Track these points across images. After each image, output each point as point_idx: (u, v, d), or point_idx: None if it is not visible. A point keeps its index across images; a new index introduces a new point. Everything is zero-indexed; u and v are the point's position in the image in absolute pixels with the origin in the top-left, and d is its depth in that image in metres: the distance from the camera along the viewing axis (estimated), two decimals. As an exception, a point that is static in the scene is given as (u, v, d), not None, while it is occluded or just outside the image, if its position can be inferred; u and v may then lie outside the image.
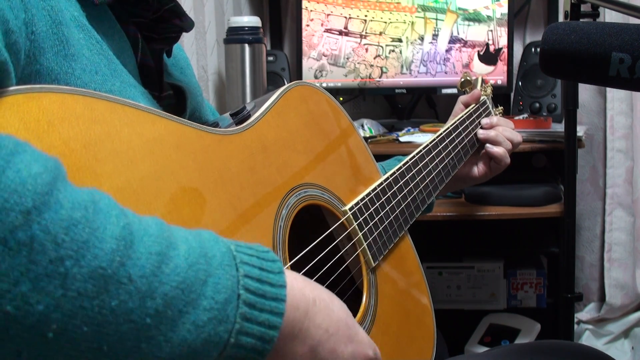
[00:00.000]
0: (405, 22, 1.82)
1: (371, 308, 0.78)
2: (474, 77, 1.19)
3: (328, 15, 1.82)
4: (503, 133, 1.10)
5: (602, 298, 1.89)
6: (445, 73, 1.84)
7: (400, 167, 0.90)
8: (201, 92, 0.89)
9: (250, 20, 1.66)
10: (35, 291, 0.36)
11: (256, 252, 0.48)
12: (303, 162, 0.75)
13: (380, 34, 1.83)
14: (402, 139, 1.68)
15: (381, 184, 0.85)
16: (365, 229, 0.80)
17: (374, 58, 1.84)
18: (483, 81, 1.20)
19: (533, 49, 1.80)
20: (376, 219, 0.83)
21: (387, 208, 0.85)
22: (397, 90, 1.85)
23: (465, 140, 1.07)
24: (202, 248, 0.45)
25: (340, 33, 1.83)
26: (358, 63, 1.84)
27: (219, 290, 0.44)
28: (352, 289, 0.80)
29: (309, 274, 0.65)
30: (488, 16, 1.80)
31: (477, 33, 1.81)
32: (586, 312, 1.92)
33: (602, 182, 1.89)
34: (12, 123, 0.45)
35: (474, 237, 1.79)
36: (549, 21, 1.92)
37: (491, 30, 1.81)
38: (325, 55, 1.84)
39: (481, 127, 1.12)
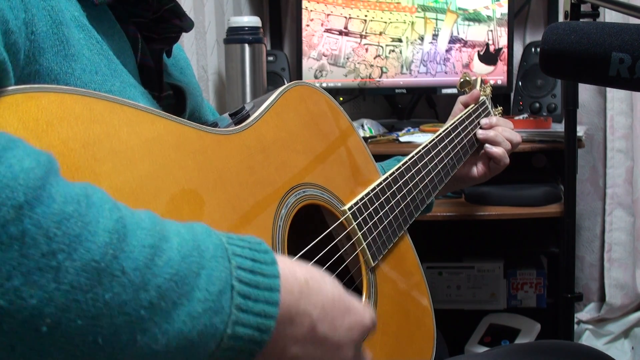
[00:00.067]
0: (405, 22, 1.82)
1: (370, 308, 0.78)
2: (473, 78, 1.19)
3: (328, 15, 1.82)
4: (502, 133, 1.10)
5: (602, 298, 1.89)
6: (445, 73, 1.84)
7: (400, 167, 0.90)
8: (201, 92, 0.89)
9: (250, 20, 1.66)
10: (28, 285, 0.37)
11: (248, 244, 0.49)
12: (302, 162, 0.75)
13: (380, 34, 1.83)
14: (402, 139, 1.68)
15: (380, 183, 0.85)
16: (365, 228, 0.80)
17: (374, 58, 1.84)
18: (482, 81, 1.20)
19: (533, 49, 1.80)
20: (375, 218, 0.83)
21: (387, 208, 0.85)
22: (397, 90, 1.85)
23: (465, 141, 1.07)
24: (195, 241, 0.45)
25: (340, 33, 1.83)
26: (358, 63, 1.84)
27: (212, 281, 0.44)
28: (352, 289, 0.81)
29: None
30: (488, 16, 1.80)
31: (477, 33, 1.81)
32: (586, 312, 1.92)
33: (602, 182, 1.89)
34: (10, 123, 0.45)
35: (474, 237, 1.79)
36: (549, 21, 1.92)
37: (491, 30, 1.81)
38: (325, 55, 1.84)
39: (480, 128, 1.12)
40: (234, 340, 0.45)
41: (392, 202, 0.87)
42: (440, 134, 1.02)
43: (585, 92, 1.87)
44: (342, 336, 0.54)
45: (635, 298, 1.84)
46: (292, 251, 0.69)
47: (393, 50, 1.83)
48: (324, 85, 1.84)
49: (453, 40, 1.82)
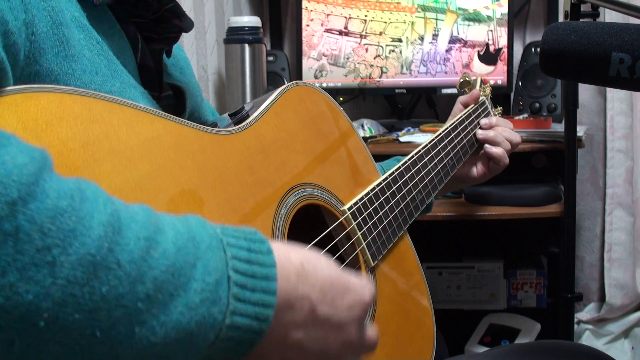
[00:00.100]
0: (405, 22, 1.82)
1: (370, 308, 0.78)
2: (473, 78, 1.19)
3: (328, 15, 1.82)
4: (502, 133, 1.10)
5: (602, 298, 1.89)
6: (445, 73, 1.84)
7: (399, 167, 0.90)
8: (201, 92, 0.89)
9: (250, 20, 1.66)
10: (24, 281, 0.37)
11: (243, 234, 0.49)
12: (302, 162, 0.75)
13: (380, 34, 1.83)
14: (402, 139, 1.68)
15: (380, 183, 0.85)
16: (364, 228, 0.80)
17: (374, 58, 1.84)
18: (482, 81, 1.20)
19: (533, 49, 1.80)
20: (375, 218, 0.83)
21: (386, 208, 0.85)
22: (397, 90, 1.85)
23: (464, 141, 1.07)
24: (190, 232, 0.46)
25: (340, 33, 1.83)
26: (358, 63, 1.84)
27: (208, 272, 0.44)
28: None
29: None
30: (488, 16, 1.80)
31: (477, 33, 1.81)
32: (586, 312, 1.92)
33: (602, 182, 1.89)
34: (10, 122, 0.45)
35: (474, 237, 1.79)
36: (549, 21, 1.92)
37: (491, 30, 1.81)
38: (325, 55, 1.84)
39: (480, 128, 1.12)
40: (232, 330, 0.45)
41: (392, 202, 0.87)
42: (440, 134, 1.02)
43: (585, 92, 1.87)
44: (343, 316, 0.53)
45: (635, 298, 1.84)
46: (291, 251, 0.69)
47: (393, 50, 1.83)
48: (324, 85, 1.85)
49: (453, 40, 1.82)
